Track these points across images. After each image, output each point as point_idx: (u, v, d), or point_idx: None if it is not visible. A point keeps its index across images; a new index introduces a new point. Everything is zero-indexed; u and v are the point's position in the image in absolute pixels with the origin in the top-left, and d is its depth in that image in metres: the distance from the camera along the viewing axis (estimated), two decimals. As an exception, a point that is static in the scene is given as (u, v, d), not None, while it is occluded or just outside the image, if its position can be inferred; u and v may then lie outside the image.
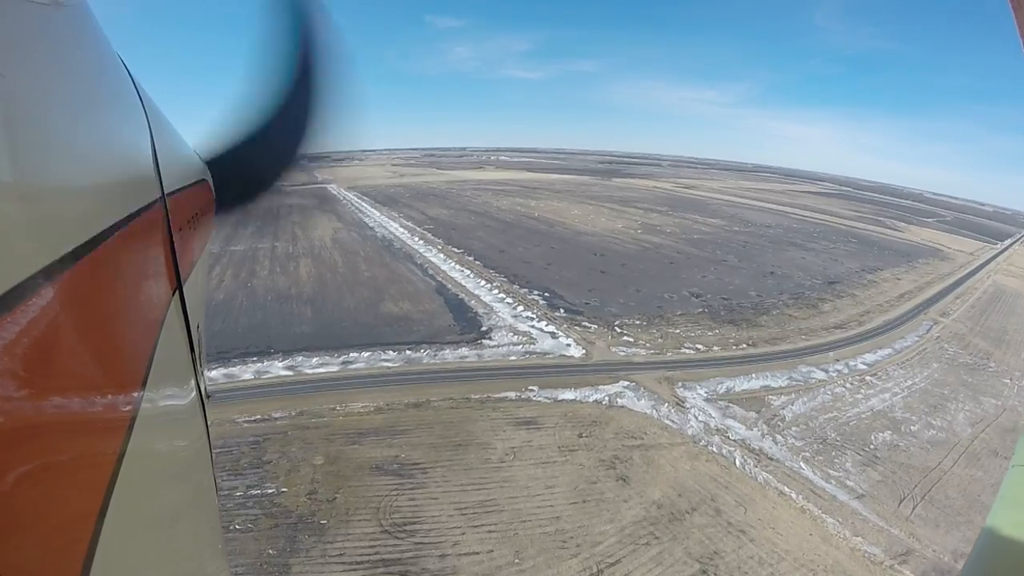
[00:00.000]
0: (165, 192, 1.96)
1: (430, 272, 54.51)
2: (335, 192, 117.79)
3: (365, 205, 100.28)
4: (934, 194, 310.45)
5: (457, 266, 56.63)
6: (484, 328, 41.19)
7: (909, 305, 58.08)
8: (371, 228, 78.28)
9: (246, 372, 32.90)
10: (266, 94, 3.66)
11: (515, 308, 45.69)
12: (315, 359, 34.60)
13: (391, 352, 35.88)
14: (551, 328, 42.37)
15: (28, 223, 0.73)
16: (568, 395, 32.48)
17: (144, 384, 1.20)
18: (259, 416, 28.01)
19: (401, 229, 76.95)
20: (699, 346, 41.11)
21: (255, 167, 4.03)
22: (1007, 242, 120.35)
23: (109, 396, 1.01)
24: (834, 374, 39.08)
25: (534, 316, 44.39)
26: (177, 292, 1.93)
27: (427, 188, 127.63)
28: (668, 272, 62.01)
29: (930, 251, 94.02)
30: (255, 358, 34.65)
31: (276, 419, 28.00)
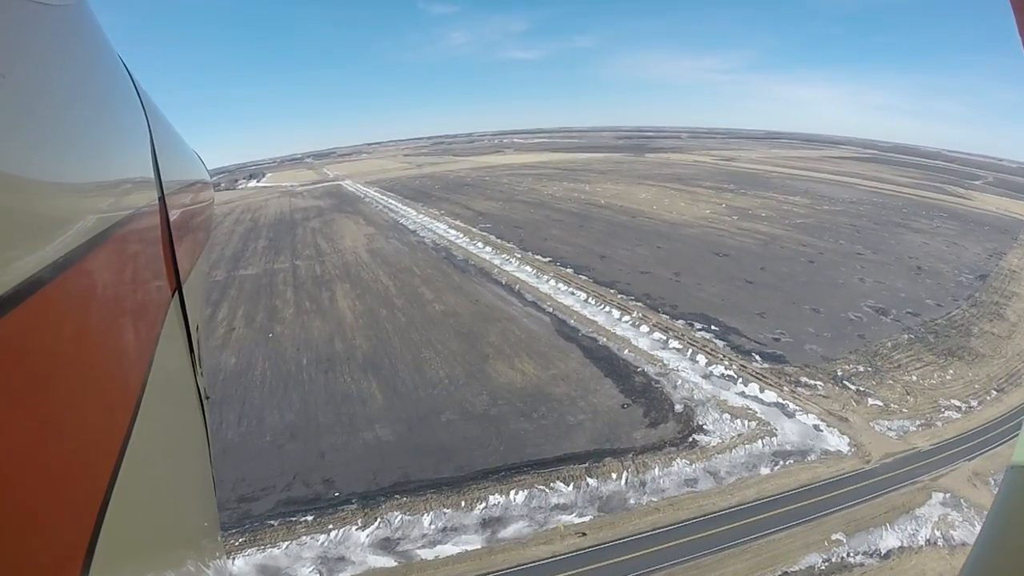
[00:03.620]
0: (165, 192, 1.93)
1: (529, 297, 37.89)
2: (352, 189, 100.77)
3: (393, 202, 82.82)
4: (950, 151, 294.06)
5: (561, 285, 39.96)
6: (679, 407, 24.85)
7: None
8: (413, 231, 61.25)
9: (301, 560, 16.59)
10: None
11: (692, 357, 29.33)
12: (427, 517, 18.13)
13: (560, 484, 19.43)
14: (772, 396, 26.57)
15: (28, 223, 0.72)
16: (890, 540, 19.14)
17: (144, 384, 1.18)
18: None
19: (452, 231, 59.96)
20: (955, 402, 28.81)
21: None
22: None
23: (109, 396, 1.00)
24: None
25: (732, 372, 28.16)
26: (177, 293, 1.89)
27: (455, 177, 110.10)
28: (819, 276, 46.45)
29: (1019, 223, 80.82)
30: (310, 515, 18.31)
31: None
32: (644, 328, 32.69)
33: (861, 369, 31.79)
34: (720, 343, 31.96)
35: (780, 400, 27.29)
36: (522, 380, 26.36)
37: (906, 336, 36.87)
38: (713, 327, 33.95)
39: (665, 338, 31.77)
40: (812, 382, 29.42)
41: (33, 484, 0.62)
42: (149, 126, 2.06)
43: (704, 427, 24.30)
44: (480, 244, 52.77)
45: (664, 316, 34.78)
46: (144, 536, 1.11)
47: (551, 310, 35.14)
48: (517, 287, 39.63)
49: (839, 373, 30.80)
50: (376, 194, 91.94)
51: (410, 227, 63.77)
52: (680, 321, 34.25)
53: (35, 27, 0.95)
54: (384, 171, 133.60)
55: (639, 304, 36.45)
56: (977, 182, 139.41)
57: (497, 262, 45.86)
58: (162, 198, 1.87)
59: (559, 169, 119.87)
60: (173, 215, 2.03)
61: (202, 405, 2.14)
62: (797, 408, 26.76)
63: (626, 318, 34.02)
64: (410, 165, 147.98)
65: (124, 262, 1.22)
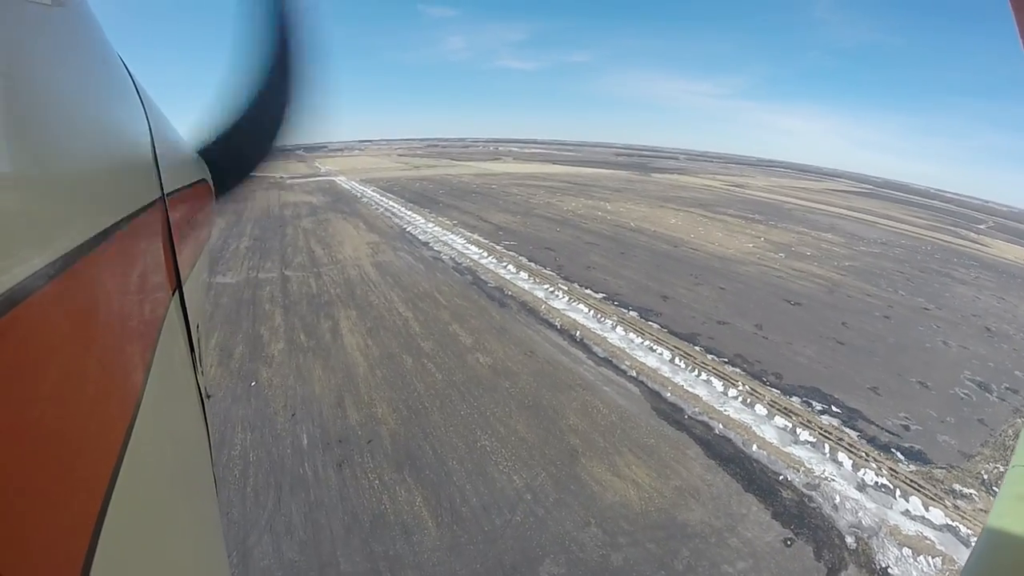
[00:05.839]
0: (165, 192, 1.95)
1: (599, 352, 29.48)
2: (347, 186, 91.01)
3: (395, 205, 73.21)
4: (938, 191, 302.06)
5: (633, 336, 31.69)
6: (850, 540, 16.34)
7: None
8: (425, 244, 52.17)
9: None
10: (243, 84, 3.49)
11: (832, 456, 21.27)
12: None
13: None
14: (939, 516, 18.04)
15: (28, 223, 0.74)
16: None
17: (144, 384, 1.20)
18: None
19: (472, 247, 51.14)
20: None
21: (230, 158, 3.78)
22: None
23: (109, 396, 1.01)
24: None
25: (885, 481, 19.86)
26: (177, 292, 1.90)
27: (459, 183, 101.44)
28: (903, 337, 39.76)
29: (1062, 277, 78.23)
30: None
31: None
32: (760, 409, 24.78)
33: (1001, 468, 25.22)
34: (852, 433, 24.25)
35: (949, 521, 19.80)
36: (638, 497, 17.97)
37: (1020, 420, 30.87)
38: (834, 408, 26.28)
39: (790, 425, 23.89)
40: (967, 491, 22.11)
41: (32, 484, 0.63)
42: (149, 126, 2.02)
43: (890, 572, 16.67)
44: (511, 268, 44.13)
45: (774, 391, 26.96)
46: (145, 537, 1.10)
47: (635, 374, 26.86)
48: (578, 334, 31.18)
49: (985, 476, 23.75)
50: (374, 194, 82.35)
51: (421, 238, 54.62)
52: (795, 399, 26.49)
53: (35, 26, 0.95)
54: (379, 170, 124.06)
55: (738, 371, 28.56)
56: (982, 226, 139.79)
57: (540, 295, 37.39)
58: (162, 197, 1.85)
59: (568, 183, 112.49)
60: (173, 214, 2.02)
61: (203, 405, 2.09)
62: (970, 532, 19.59)
63: (732, 392, 26.05)
64: (406, 165, 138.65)
65: (124, 261, 1.22)
